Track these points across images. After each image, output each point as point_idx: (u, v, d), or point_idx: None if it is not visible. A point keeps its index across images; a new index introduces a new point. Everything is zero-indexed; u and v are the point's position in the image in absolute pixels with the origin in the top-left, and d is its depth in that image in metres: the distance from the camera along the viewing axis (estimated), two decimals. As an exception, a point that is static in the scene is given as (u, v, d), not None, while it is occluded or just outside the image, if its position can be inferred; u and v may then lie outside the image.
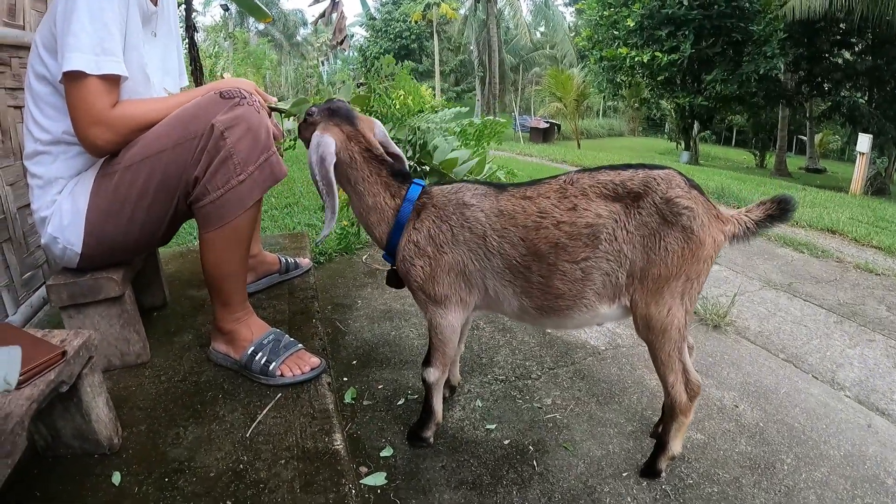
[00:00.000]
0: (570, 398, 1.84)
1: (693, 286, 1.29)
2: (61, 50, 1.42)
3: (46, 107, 1.57)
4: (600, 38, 18.78)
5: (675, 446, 1.44)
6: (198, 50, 6.76)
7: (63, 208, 1.59)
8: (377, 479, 1.45)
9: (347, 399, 1.81)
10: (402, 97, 2.00)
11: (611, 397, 1.86)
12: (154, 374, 1.69)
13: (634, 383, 1.95)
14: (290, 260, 2.39)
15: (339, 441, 1.33)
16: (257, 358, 1.61)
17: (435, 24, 33.99)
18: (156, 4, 1.73)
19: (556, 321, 1.43)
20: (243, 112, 1.49)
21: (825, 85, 17.95)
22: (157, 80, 1.77)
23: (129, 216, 1.58)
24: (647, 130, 39.00)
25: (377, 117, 1.83)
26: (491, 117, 2.31)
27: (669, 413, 1.42)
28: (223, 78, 1.82)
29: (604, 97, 27.21)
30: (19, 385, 1.10)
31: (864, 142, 10.74)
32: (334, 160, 1.41)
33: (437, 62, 36.48)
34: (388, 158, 1.49)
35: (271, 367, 1.60)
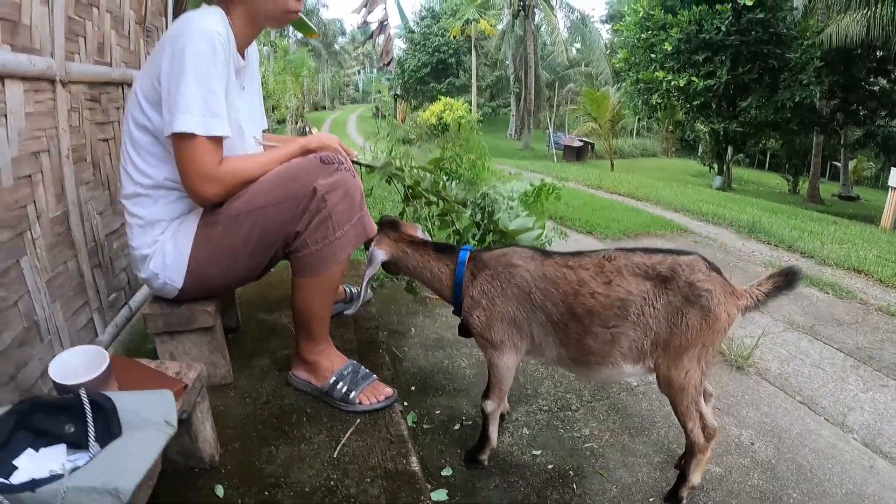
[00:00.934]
0: (605, 429, 2.10)
1: (709, 351, 1.54)
2: (171, 110, 1.56)
3: (147, 155, 1.71)
4: (637, 61, 18.87)
5: (695, 478, 1.69)
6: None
7: (166, 249, 1.76)
8: (440, 495, 1.69)
9: (409, 422, 2.08)
10: (471, 160, 2.29)
11: (641, 430, 2.11)
12: (239, 396, 1.93)
13: (663, 418, 2.20)
14: (354, 290, 2.67)
15: (415, 463, 1.60)
16: (339, 387, 1.87)
17: (473, 39, 34.32)
18: (244, 58, 1.87)
19: (585, 372, 1.71)
20: (341, 177, 1.71)
21: (860, 113, 17.82)
22: (248, 130, 1.92)
23: (231, 261, 1.78)
24: (679, 151, 38.77)
25: (450, 177, 2.14)
26: (548, 181, 2.59)
27: (689, 451, 1.66)
28: (309, 131, 2.07)
29: (638, 118, 27.24)
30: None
31: (895, 176, 10.70)
32: (379, 264, 1.83)
33: (474, 77, 36.78)
34: (431, 243, 1.87)
35: (351, 396, 1.85)
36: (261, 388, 1.98)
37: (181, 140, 1.58)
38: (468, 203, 2.11)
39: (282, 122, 25.00)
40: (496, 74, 43.05)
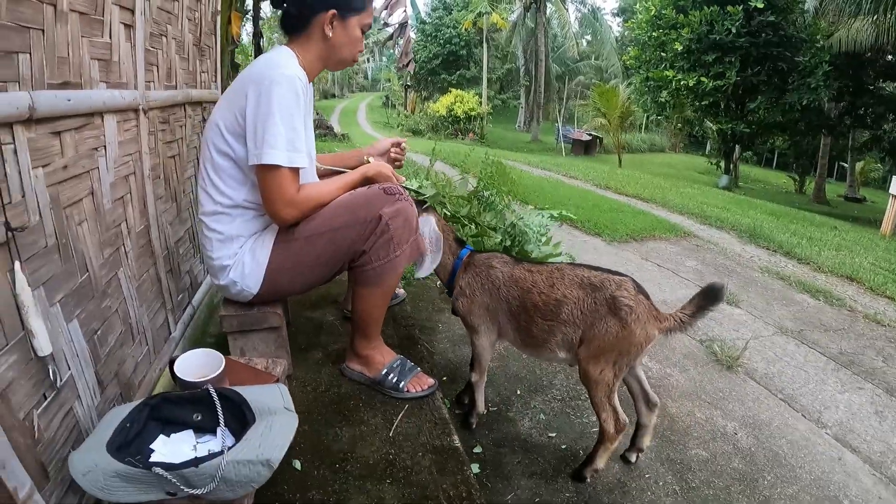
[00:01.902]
0: (609, 418, 2.45)
1: (623, 359, 1.85)
2: (259, 144, 1.79)
3: (228, 178, 1.96)
4: (648, 58, 19.00)
5: (600, 462, 1.99)
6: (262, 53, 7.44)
7: (244, 261, 2.01)
8: (473, 468, 2.01)
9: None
10: (501, 187, 2.63)
11: (640, 420, 2.46)
12: (300, 385, 2.22)
13: (659, 411, 2.54)
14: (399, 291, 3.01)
15: (456, 441, 1.94)
16: (390, 377, 2.18)
17: (485, 31, 34.39)
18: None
19: (531, 353, 2.13)
20: (402, 206, 1.99)
21: (868, 117, 17.95)
22: (313, 155, 2.22)
23: (304, 273, 2.05)
24: (688, 147, 38.88)
25: (483, 202, 2.50)
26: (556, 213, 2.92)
27: (599, 438, 1.97)
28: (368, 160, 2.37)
29: (647, 115, 27.38)
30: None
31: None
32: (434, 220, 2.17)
33: (485, 69, 36.86)
34: (453, 231, 2.30)
35: (401, 385, 2.17)
36: (318, 379, 2.29)
37: (267, 171, 1.83)
38: (497, 229, 2.47)
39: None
40: (507, 67, 43.14)
